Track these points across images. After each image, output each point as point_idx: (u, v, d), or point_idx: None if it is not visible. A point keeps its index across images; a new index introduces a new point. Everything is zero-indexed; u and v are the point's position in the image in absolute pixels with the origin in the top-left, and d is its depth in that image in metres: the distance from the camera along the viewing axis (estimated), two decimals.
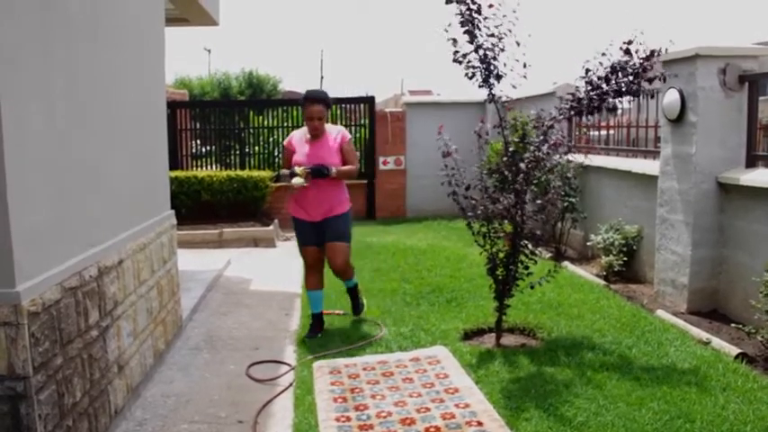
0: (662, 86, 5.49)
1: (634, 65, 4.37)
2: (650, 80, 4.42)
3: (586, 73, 4.52)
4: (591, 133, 8.52)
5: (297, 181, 4.65)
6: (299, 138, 4.92)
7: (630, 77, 4.36)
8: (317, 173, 4.71)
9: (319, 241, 4.92)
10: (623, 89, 4.39)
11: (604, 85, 4.43)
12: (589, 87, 4.49)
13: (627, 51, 4.39)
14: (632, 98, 4.55)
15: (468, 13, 4.43)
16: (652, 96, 4.73)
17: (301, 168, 4.67)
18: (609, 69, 4.43)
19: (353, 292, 5.31)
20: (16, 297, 2.55)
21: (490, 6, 4.43)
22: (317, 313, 5.02)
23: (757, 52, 5.35)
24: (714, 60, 5.21)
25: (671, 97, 5.49)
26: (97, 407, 3.32)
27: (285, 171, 4.82)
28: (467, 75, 4.59)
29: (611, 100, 4.45)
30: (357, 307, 5.33)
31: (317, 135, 4.83)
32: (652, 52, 4.37)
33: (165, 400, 3.99)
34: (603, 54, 4.46)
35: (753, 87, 5.25)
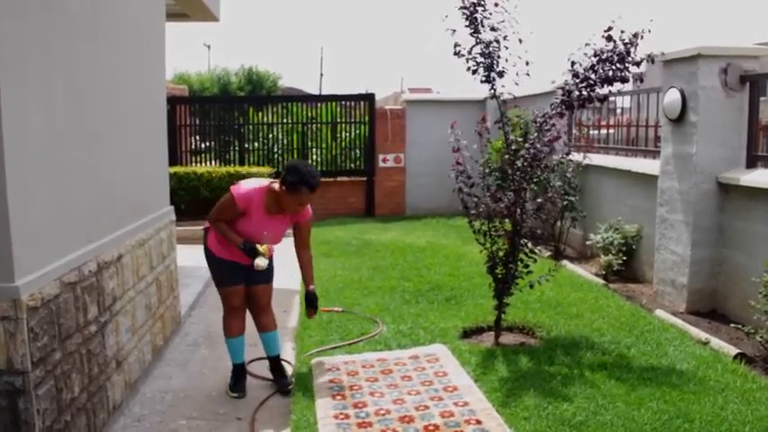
0: (659, 82, 5.48)
1: (618, 50, 4.37)
2: (637, 64, 4.41)
3: (572, 66, 4.52)
4: (591, 132, 8.52)
5: (261, 263, 3.80)
6: (258, 202, 3.83)
7: (616, 64, 4.36)
8: (311, 303, 4.11)
9: (246, 281, 4.05)
10: (610, 76, 4.38)
11: (592, 76, 4.43)
12: (577, 80, 4.48)
13: (609, 38, 4.40)
14: (622, 84, 4.52)
15: (471, 6, 4.44)
16: (641, 81, 4.73)
17: (264, 246, 3.84)
18: (594, 59, 4.42)
19: (278, 362, 4.18)
20: (15, 291, 2.55)
21: (496, 5, 4.44)
22: (241, 363, 4.12)
23: (759, 52, 5.34)
24: (715, 60, 5.21)
25: (672, 97, 5.48)
26: (95, 402, 3.31)
27: (241, 242, 3.82)
28: (469, 69, 4.59)
29: (599, 90, 4.44)
30: (284, 377, 4.14)
31: (281, 213, 3.92)
32: (635, 35, 4.36)
33: (163, 396, 3.98)
34: (587, 44, 4.46)
35: (754, 87, 5.25)
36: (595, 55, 4.41)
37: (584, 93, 4.44)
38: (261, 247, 3.82)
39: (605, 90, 4.49)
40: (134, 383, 3.96)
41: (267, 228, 3.91)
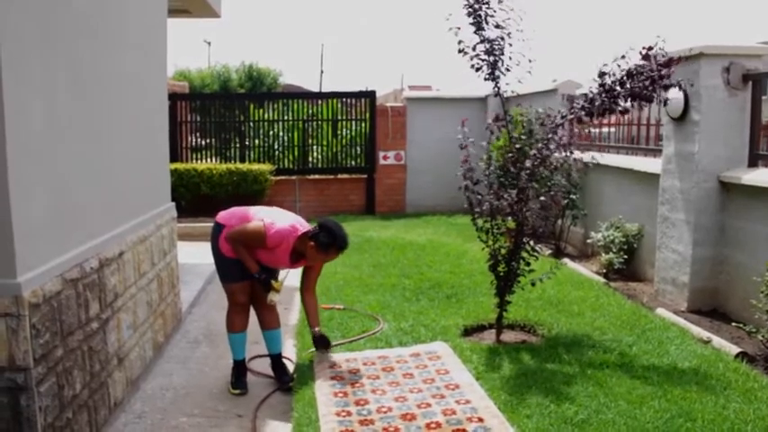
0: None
1: (651, 70, 4.28)
2: (666, 87, 4.36)
3: (601, 76, 4.42)
4: (592, 131, 8.51)
5: (274, 298, 4.01)
6: (286, 247, 3.90)
7: (646, 83, 4.26)
8: (321, 343, 4.23)
9: (252, 278, 4.06)
10: (637, 93, 4.28)
11: (618, 88, 4.33)
12: (603, 89, 4.41)
13: (646, 57, 4.31)
14: (647, 103, 4.45)
15: (475, 4, 4.43)
16: (665, 104, 4.67)
17: (279, 283, 4.00)
18: (625, 73, 4.33)
19: (280, 360, 4.24)
20: (17, 288, 2.54)
21: (500, 2, 4.42)
22: (242, 360, 4.17)
23: (761, 51, 5.34)
24: (718, 59, 5.20)
25: (674, 95, 5.47)
26: (97, 399, 3.31)
27: (258, 272, 3.94)
28: (473, 66, 4.57)
29: (623, 103, 4.37)
30: (286, 374, 4.18)
31: (303, 260, 4.06)
32: (671, 59, 4.28)
33: (164, 393, 3.98)
34: (623, 57, 4.35)
35: (756, 87, 5.24)
36: (629, 73, 4.30)
37: (607, 102, 4.35)
38: (276, 284, 3.97)
39: (628, 104, 4.40)
40: (135, 380, 3.96)
41: (285, 266, 4.07)
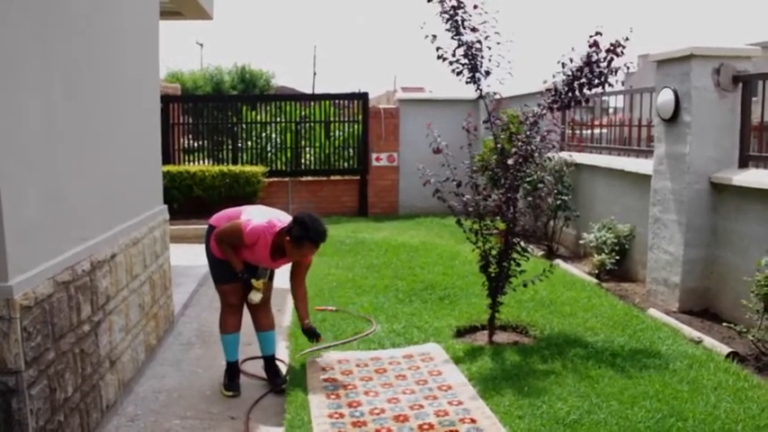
0: (652, 82, 5.51)
1: (600, 58, 4.49)
2: (615, 71, 4.53)
3: (563, 67, 4.61)
4: (584, 132, 8.54)
5: (254, 297, 4.00)
6: (264, 243, 3.86)
7: (601, 69, 4.49)
8: (312, 335, 4.23)
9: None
10: (594, 81, 4.51)
11: (582, 78, 4.55)
12: (565, 79, 4.60)
13: (594, 44, 4.49)
14: (602, 89, 4.64)
15: (450, 10, 4.48)
16: (623, 84, 4.84)
17: (260, 282, 3.98)
18: (582, 63, 4.53)
19: (273, 362, 4.19)
20: (9, 291, 2.53)
21: (475, 7, 4.50)
22: (235, 362, 4.15)
23: (751, 53, 5.37)
24: (709, 60, 5.23)
25: (665, 97, 5.50)
26: (89, 402, 3.30)
27: (240, 271, 3.96)
28: (453, 71, 4.66)
29: (585, 91, 4.57)
30: (279, 376, 4.13)
31: (285, 257, 4.01)
32: (618, 43, 4.46)
33: (156, 395, 3.97)
34: (573, 49, 4.57)
35: (746, 88, 5.28)
36: (587, 61, 4.51)
37: (571, 94, 4.57)
38: (256, 282, 3.97)
39: (589, 92, 4.62)
40: (127, 383, 3.95)
41: (268, 264, 4.02)
